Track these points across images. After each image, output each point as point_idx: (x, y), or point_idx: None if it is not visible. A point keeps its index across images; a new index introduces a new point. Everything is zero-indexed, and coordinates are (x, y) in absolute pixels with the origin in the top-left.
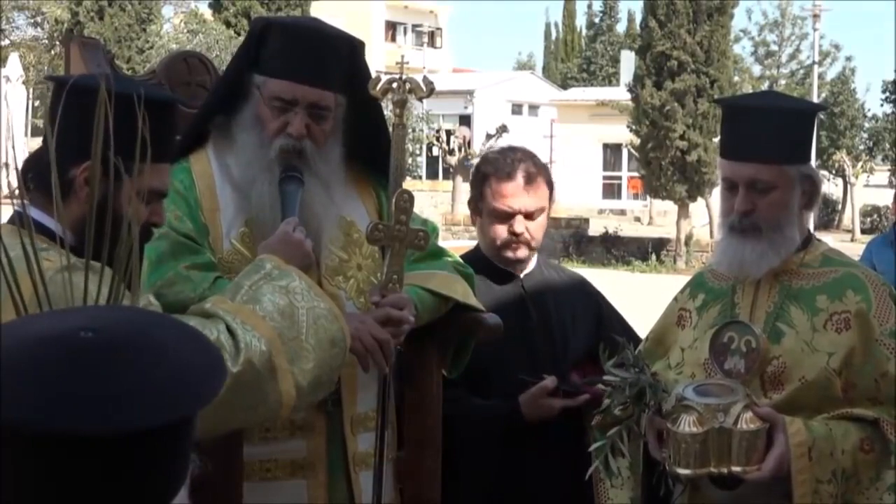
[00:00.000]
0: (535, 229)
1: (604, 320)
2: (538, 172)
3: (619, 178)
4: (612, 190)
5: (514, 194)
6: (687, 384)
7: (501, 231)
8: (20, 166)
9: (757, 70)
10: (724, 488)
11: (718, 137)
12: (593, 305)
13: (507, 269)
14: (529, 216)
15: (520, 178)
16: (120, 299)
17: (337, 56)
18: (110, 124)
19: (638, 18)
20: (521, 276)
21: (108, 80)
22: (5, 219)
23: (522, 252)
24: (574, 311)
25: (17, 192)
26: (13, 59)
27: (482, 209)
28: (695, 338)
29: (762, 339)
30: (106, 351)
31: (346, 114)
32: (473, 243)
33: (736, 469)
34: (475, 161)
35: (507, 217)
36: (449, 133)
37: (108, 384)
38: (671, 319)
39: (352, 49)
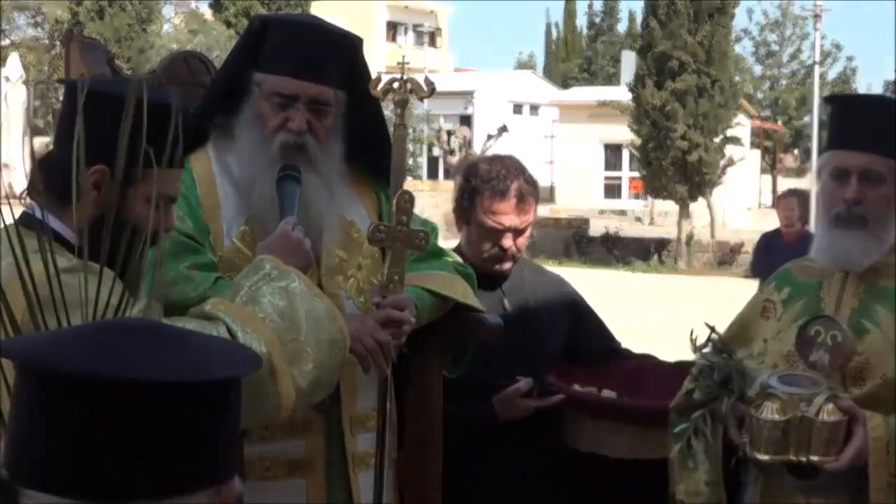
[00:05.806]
0: (521, 243)
1: (582, 321)
2: (530, 190)
3: (620, 178)
4: (612, 190)
5: (507, 213)
6: (772, 373)
7: (489, 245)
8: (30, 170)
9: (758, 70)
10: (801, 477)
11: (719, 137)
12: (571, 307)
13: (489, 273)
14: (519, 232)
15: (513, 197)
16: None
17: (336, 52)
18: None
19: (639, 18)
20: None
21: (137, 87)
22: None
23: (508, 265)
24: (552, 313)
25: (20, 192)
26: (13, 59)
27: (471, 220)
28: (779, 329)
29: (848, 335)
30: (149, 329)
31: (346, 110)
32: None
33: (814, 458)
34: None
35: (496, 233)
36: (450, 133)
37: (154, 349)
38: (755, 310)
39: (351, 45)
